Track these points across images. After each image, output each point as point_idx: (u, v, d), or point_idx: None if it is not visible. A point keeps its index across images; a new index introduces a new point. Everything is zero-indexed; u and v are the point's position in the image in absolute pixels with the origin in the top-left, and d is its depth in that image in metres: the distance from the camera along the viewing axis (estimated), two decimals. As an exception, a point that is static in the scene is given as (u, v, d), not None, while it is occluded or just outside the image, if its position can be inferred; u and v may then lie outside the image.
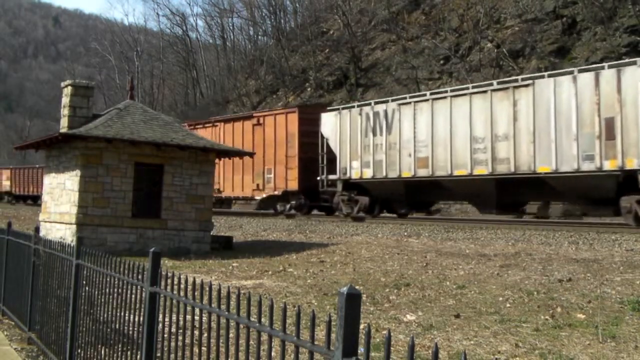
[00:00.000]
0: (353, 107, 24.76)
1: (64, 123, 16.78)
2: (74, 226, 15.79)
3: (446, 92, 21.44)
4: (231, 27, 65.64)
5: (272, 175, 28.10)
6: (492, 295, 9.31)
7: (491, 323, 7.71)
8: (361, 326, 2.29)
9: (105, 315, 5.00)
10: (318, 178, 25.12)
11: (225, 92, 58.22)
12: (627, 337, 6.96)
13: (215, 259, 15.06)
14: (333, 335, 2.32)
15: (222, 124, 31.30)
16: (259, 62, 56.57)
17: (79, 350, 5.51)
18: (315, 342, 2.48)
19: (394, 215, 25.19)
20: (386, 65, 41.87)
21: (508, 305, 8.70)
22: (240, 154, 20.49)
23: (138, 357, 4.31)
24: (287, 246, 17.12)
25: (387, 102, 23.28)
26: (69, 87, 16.90)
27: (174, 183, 16.96)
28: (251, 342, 3.05)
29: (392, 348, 5.11)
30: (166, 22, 76.80)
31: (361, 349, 2.28)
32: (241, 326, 3.12)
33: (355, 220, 23.22)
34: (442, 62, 37.40)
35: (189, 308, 3.76)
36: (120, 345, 4.69)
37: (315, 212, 28.45)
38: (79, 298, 5.63)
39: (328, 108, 26.77)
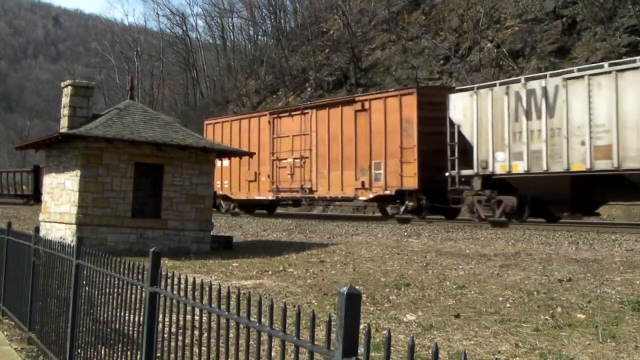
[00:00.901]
0: (494, 85, 20.35)
1: (64, 123, 16.78)
2: (74, 226, 15.79)
3: (635, 61, 16.89)
4: (231, 27, 65.70)
5: (381, 171, 23.47)
6: (492, 295, 9.31)
7: (491, 323, 7.71)
8: (361, 326, 2.29)
9: (105, 315, 5.00)
10: (447, 174, 20.83)
11: (225, 92, 58.22)
12: (627, 337, 6.96)
13: (215, 259, 15.06)
14: (333, 335, 2.32)
15: (314, 111, 26.21)
16: (259, 62, 56.57)
17: (79, 350, 5.51)
18: (315, 342, 2.48)
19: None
20: (386, 65, 41.88)
21: (508, 305, 8.70)
22: (241, 154, 20.47)
23: (138, 357, 4.31)
24: (287, 246, 17.12)
25: (544, 77, 19.05)
26: (69, 87, 16.90)
27: (174, 183, 16.96)
28: (251, 342, 3.05)
29: (392, 348, 5.11)
30: (166, 22, 76.78)
31: (361, 349, 2.28)
32: (241, 326, 3.12)
33: (495, 226, 19.61)
34: (442, 62, 37.41)
35: (189, 308, 3.76)
36: (120, 345, 4.69)
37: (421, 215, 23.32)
38: (79, 298, 5.63)
39: (458, 88, 22.20)
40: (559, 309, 8.26)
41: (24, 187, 44.95)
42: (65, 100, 17.01)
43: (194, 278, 3.75)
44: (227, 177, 29.52)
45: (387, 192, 23.24)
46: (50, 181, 18.05)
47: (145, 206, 16.75)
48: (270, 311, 2.79)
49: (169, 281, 3.96)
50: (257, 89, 53.58)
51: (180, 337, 3.81)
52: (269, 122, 27.73)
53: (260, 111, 33.00)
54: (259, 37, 63.35)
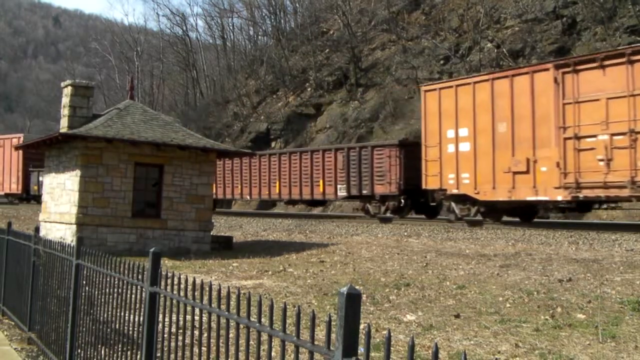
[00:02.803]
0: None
1: (64, 123, 16.78)
2: (74, 226, 15.79)
3: None
4: (231, 27, 65.65)
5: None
6: (492, 295, 9.31)
7: (491, 323, 7.71)
8: (361, 326, 2.29)
9: (105, 315, 5.00)
10: None
11: (225, 92, 58.17)
12: (627, 337, 6.96)
13: (215, 259, 15.06)
14: (333, 335, 2.32)
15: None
16: (259, 62, 56.54)
17: (79, 350, 5.51)
18: (315, 342, 2.48)
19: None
20: (386, 65, 41.86)
21: (508, 305, 8.70)
22: (243, 154, 20.46)
23: (138, 357, 4.31)
24: (287, 246, 17.12)
25: None
26: (69, 87, 16.90)
27: (174, 183, 16.96)
28: (251, 342, 3.05)
29: (392, 348, 5.11)
30: (166, 22, 76.88)
31: (361, 349, 2.28)
32: (241, 326, 3.12)
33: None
34: (442, 62, 37.39)
35: (189, 308, 3.76)
36: (120, 345, 4.69)
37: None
38: (79, 298, 5.63)
39: None
40: (559, 309, 8.26)
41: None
42: (65, 100, 17.01)
43: (194, 278, 3.75)
44: (467, 168, 20.15)
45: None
46: (50, 181, 18.04)
47: (145, 206, 16.76)
48: (270, 311, 2.79)
49: (169, 281, 3.96)
50: (257, 89, 53.55)
51: (180, 337, 3.81)
52: (556, 79, 17.82)
53: (533, 65, 21.78)
54: (259, 37, 63.34)
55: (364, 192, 24.49)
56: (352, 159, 24.94)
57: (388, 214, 24.03)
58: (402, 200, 23.43)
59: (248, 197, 32.01)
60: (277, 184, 29.04)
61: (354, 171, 24.88)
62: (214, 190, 30.32)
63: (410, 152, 22.88)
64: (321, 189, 26.45)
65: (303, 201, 29.69)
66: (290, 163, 28.44)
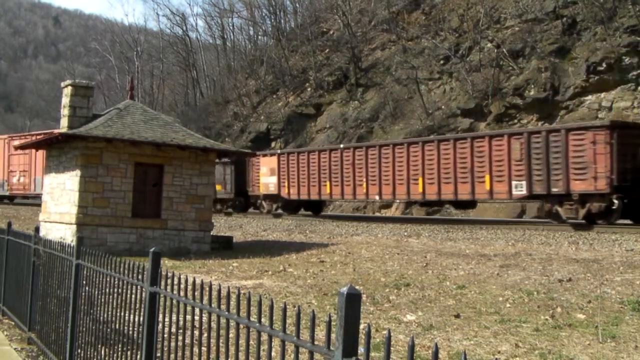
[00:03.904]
0: None
1: (64, 123, 16.78)
2: (74, 226, 15.79)
3: None
4: (231, 27, 65.62)
5: None
6: (492, 295, 9.31)
7: (491, 323, 7.71)
8: (361, 326, 2.29)
9: (105, 315, 5.00)
10: None
11: (225, 92, 58.16)
12: (627, 337, 6.96)
13: (215, 259, 15.06)
14: (333, 335, 2.32)
15: None
16: (259, 62, 56.54)
17: (79, 350, 5.51)
18: (315, 342, 2.48)
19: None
20: (386, 65, 41.86)
21: (508, 305, 8.70)
22: (242, 154, 20.45)
23: (138, 357, 4.31)
24: (287, 246, 17.12)
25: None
26: (69, 87, 16.90)
27: (174, 183, 16.96)
28: (251, 342, 3.05)
29: (392, 348, 5.11)
30: (166, 22, 76.79)
31: (361, 349, 2.28)
32: (241, 326, 3.12)
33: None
34: (442, 62, 37.39)
35: (189, 308, 3.76)
36: (120, 345, 4.69)
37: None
38: (79, 298, 5.63)
39: None
40: (559, 309, 8.26)
41: None
42: (65, 100, 17.01)
43: (194, 278, 3.75)
44: None
45: None
46: (50, 181, 18.04)
47: (145, 206, 16.74)
48: (270, 311, 2.79)
49: (169, 281, 3.96)
50: (257, 89, 53.54)
51: (180, 337, 3.81)
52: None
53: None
54: (259, 37, 63.33)
55: (554, 190, 18.87)
56: (536, 147, 19.31)
57: (582, 220, 18.56)
58: (614, 201, 17.85)
59: (373, 197, 24.96)
60: (420, 180, 22.57)
61: (538, 163, 19.19)
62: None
63: (628, 136, 18.01)
64: (487, 186, 20.40)
65: (444, 202, 23.98)
66: (439, 153, 21.95)
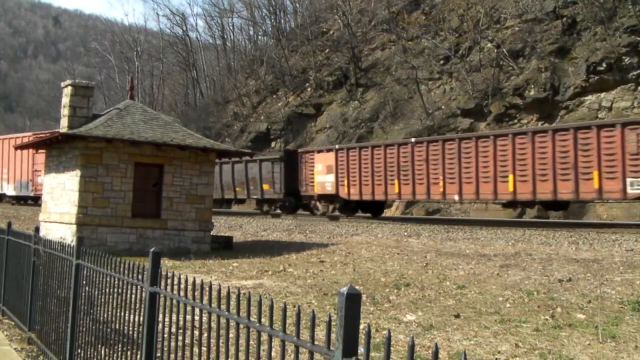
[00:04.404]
0: None
1: (64, 123, 16.78)
2: (74, 226, 15.79)
3: None
4: (231, 27, 65.65)
5: None
6: (492, 295, 9.31)
7: (491, 323, 7.71)
8: (361, 326, 2.29)
9: (105, 315, 5.00)
10: None
11: (225, 92, 58.17)
12: (627, 337, 6.96)
13: (215, 259, 15.06)
14: (333, 335, 2.32)
15: None
16: (259, 62, 56.55)
17: (79, 350, 5.51)
18: (315, 342, 2.48)
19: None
20: (386, 65, 41.87)
21: (508, 305, 8.70)
22: (242, 154, 20.47)
23: (138, 357, 4.31)
24: (287, 246, 17.12)
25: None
26: (69, 87, 16.90)
27: (174, 183, 16.96)
28: (251, 342, 3.05)
29: (392, 348, 5.11)
30: (166, 22, 76.79)
31: (361, 349, 2.28)
32: (241, 326, 3.12)
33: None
34: (442, 62, 37.39)
35: (189, 308, 3.76)
36: (120, 345, 4.69)
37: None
38: (79, 298, 5.63)
39: None
40: (559, 309, 8.26)
41: None
42: (65, 100, 17.00)
43: (194, 278, 3.75)
44: None
45: None
46: (50, 181, 18.04)
47: (145, 206, 16.73)
48: (270, 311, 2.79)
49: (169, 281, 3.96)
50: (257, 89, 53.55)
51: (180, 337, 3.81)
52: None
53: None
54: (259, 37, 63.35)
55: None
56: None
57: None
58: None
59: (451, 197, 22.25)
60: (510, 178, 19.94)
61: None
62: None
63: None
64: (596, 184, 18.14)
65: (537, 203, 21.09)
66: (534, 146, 19.50)
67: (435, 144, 22.57)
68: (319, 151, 28.09)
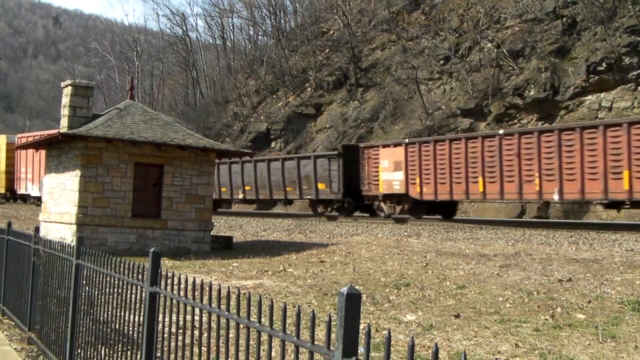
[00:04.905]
0: None
1: (64, 123, 16.78)
2: (74, 226, 15.79)
3: None
4: (231, 27, 65.65)
5: None
6: (492, 295, 9.31)
7: (491, 323, 7.71)
8: (361, 326, 2.29)
9: (105, 315, 5.00)
10: None
11: (225, 92, 58.17)
12: (627, 337, 6.96)
13: (215, 259, 15.06)
14: (333, 335, 2.32)
15: None
16: (259, 62, 56.56)
17: (79, 350, 5.51)
18: (315, 342, 2.48)
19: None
20: (386, 65, 41.87)
21: (508, 305, 8.70)
22: (242, 154, 20.47)
23: (138, 357, 4.31)
24: (287, 246, 17.12)
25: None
26: (69, 87, 16.90)
27: (174, 183, 16.96)
28: (251, 342, 3.05)
29: (392, 348, 5.11)
30: (166, 22, 76.79)
31: (361, 349, 2.28)
32: (241, 326, 3.12)
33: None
34: (442, 62, 37.40)
35: (189, 308, 3.76)
36: (120, 345, 4.69)
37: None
38: (79, 298, 5.63)
39: None
40: (559, 309, 8.26)
41: None
42: (65, 100, 17.00)
43: (194, 278, 3.75)
44: None
45: None
46: (50, 181, 18.04)
47: (145, 206, 16.74)
48: (270, 311, 2.79)
49: (169, 281, 3.96)
50: (257, 89, 53.55)
51: (180, 337, 3.81)
52: None
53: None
54: (259, 37, 63.37)
55: None
56: None
57: None
58: None
59: (549, 197, 19.66)
60: (625, 175, 17.39)
61: None
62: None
63: None
64: None
65: None
66: None
67: (528, 136, 20.11)
68: (385, 145, 25.20)
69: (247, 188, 31.22)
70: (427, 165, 22.63)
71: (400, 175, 23.65)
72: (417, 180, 22.98)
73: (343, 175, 25.74)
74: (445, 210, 24.76)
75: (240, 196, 32.03)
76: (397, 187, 23.81)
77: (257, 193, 30.66)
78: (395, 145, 24.56)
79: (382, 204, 25.05)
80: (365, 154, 25.48)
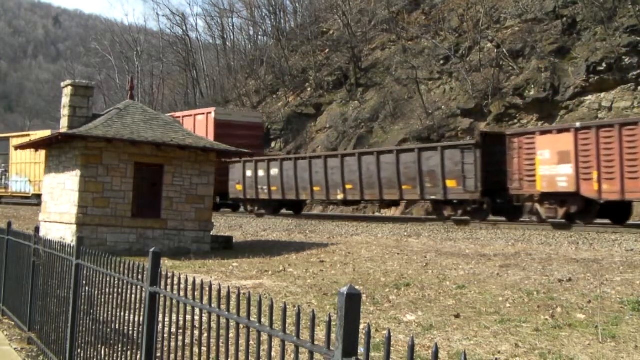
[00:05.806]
0: None
1: (64, 123, 16.78)
2: (74, 226, 15.79)
3: None
4: (231, 27, 65.61)
5: None
6: (492, 295, 9.31)
7: (491, 323, 7.71)
8: (361, 326, 2.29)
9: (105, 315, 5.00)
10: None
11: (225, 92, 58.17)
12: (627, 337, 6.96)
13: (215, 259, 15.06)
14: (333, 335, 2.32)
15: None
16: (259, 62, 56.55)
17: (79, 350, 5.51)
18: (315, 342, 2.48)
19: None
20: (386, 65, 41.85)
21: (508, 305, 8.70)
22: (241, 154, 20.46)
23: (138, 357, 4.31)
24: (287, 246, 17.12)
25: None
26: (69, 87, 16.90)
27: (174, 183, 16.96)
28: (251, 342, 3.05)
29: (392, 348, 5.11)
30: (166, 22, 76.73)
31: (361, 349, 2.28)
32: (241, 326, 3.12)
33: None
34: (442, 62, 37.39)
35: (189, 308, 3.76)
36: (120, 345, 4.69)
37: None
38: (79, 298, 5.63)
39: None
40: (559, 309, 8.26)
41: None
42: (65, 100, 17.01)
43: (194, 278, 3.75)
44: None
45: None
46: (50, 181, 18.04)
47: (145, 206, 16.74)
48: (270, 311, 2.79)
49: (169, 281, 3.96)
50: (257, 89, 53.56)
51: (180, 337, 3.81)
52: None
53: None
54: (259, 37, 63.35)
55: None
56: None
57: None
58: None
59: None
60: None
61: None
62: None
63: None
64: None
65: None
66: None
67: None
68: (544, 132, 19.98)
69: (348, 187, 25.76)
70: (611, 155, 17.47)
71: (568, 169, 18.59)
72: (594, 175, 17.98)
73: (481, 170, 20.78)
74: (617, 212, 19.76)
75: (340, 197, 26.39)
76: (564, 184, 18.77)
77: (362, 193, 25.13)
78: (560, 131, 19.39)
79: (537, 206, 19.96)
80: (515, 143, 20.28)
